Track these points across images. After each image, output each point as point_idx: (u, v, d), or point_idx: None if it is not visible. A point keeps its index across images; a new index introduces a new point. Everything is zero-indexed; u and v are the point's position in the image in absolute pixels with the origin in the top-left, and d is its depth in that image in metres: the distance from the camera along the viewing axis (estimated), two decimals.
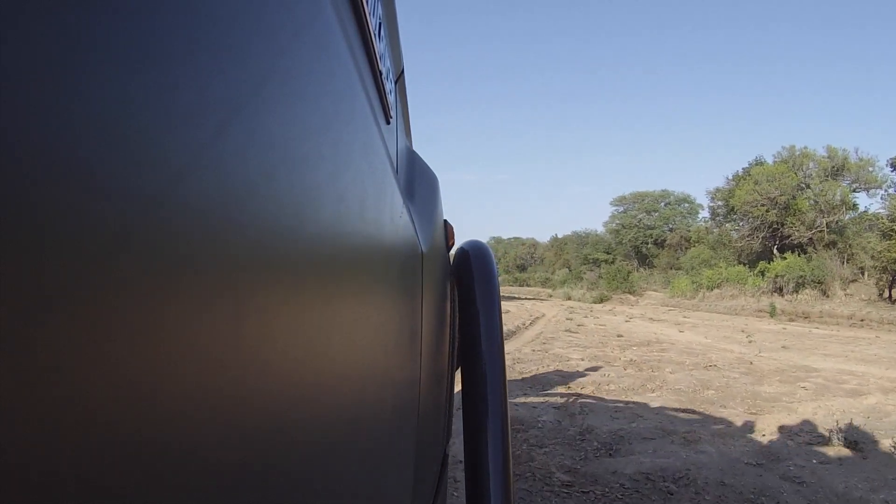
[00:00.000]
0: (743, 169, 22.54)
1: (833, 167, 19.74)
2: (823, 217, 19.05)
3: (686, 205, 29.91)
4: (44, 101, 0.08)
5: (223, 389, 0.13)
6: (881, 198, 18.00)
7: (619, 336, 7.89)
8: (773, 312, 14.01)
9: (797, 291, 15.88)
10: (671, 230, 28.88)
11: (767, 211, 19.90)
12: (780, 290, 16.65)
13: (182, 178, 0.11)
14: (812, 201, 19.48)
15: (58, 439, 0.08)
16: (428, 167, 0.97)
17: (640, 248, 29.22)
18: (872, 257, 14.93)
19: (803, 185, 19.90)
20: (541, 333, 7.97)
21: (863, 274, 16.00)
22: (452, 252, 1.03)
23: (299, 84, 0.20)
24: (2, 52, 0.07)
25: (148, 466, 0.11)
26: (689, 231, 27.52)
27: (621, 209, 31.23)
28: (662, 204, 30.18)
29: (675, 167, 50.78)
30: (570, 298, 20.86)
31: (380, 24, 0.50)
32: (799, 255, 17.80)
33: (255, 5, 0.16)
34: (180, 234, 0.11)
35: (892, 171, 17.17)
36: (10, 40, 0.07)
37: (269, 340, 0.16)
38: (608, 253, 29.68)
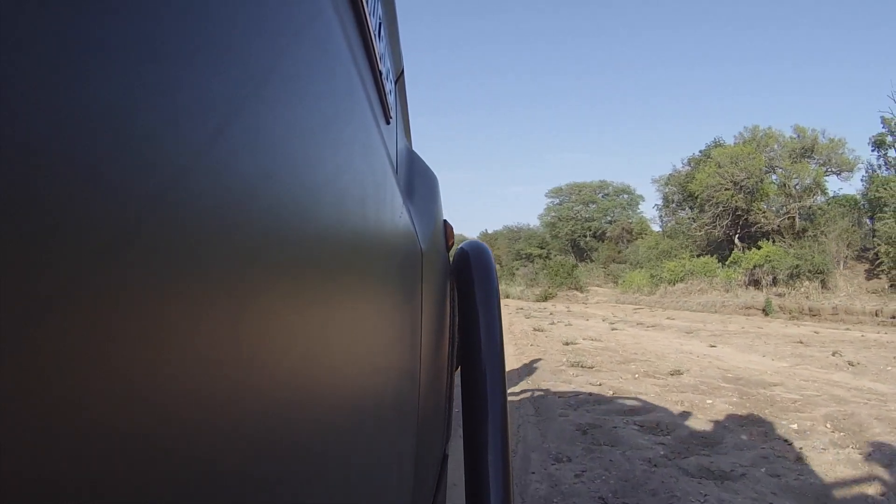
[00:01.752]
0: (700, 151, 20.62)
1: (802, 148, 17.85)
2: (794, 202, 17.25)
3: (626, 196, 28.14)
4: (44, 101, 0.08)
5: (223, 389, 0.13)
6: (861, 180, 16.26)
7: (641, 359, 5.10)
8: (769, 309, 11.96)
9: (791, 284, 13.51)
10: (611, 222, 27.16)
11: (732, 196, 17.91)
12: (756, 283, 14.64)
13: (182, 178, 0.11)
14: (780, 185, 17.72)
15: (58, 439, 0.08)
16: (427, 167, 0.97)
17: (578, 241, 27.44)
18: (888, 242, 12.54)
19: (771, 168, 18.10)
20: (534, 368, 4.74)
21: (844, 263, 14.07)
22: (452, 252, 1.03)
23: (299, 84, 0.20)
24: (1, 51, 0.07)
25: (147, 466, 0.11)
26: (630, 223, 26.02)
27: (557, 201, 29.27)
28: (601, 195, 28.37)
29: (612, 158, 47.60)
30: (507, 297, 18.43)
31: (380, 24, 0.50)
32: (774, 243, 15.91)
33: (255, 5, 0.17)
34: (179, 234, 0.11)
35: (872, 151, 15.82)
36: (9, 40, 0.07)
37: (269, 340, 0.16)
38: (542, 248, 27.58)
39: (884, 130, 15.05)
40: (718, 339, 7.10)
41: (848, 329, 8.88)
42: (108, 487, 0.09)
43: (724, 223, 18.75)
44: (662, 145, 44.00)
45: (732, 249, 18.17)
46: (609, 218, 27.56)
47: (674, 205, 22.06)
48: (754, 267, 14.93)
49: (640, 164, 45.84)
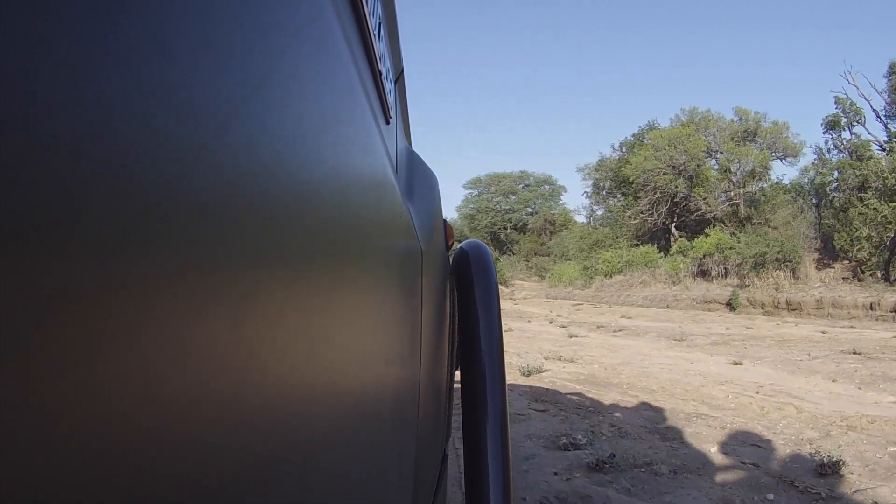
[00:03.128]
0: (633, 135, 19.32)
1: (744, 131, 16.65)
2: (737, 188, 16.00)
3: (547, 186, 27.07)
4: (43, 101, 0.08)
5: (222, 388, 0.13)
6: (813, 163, 14.75)
7: (659, 391, 3.39)
8: (735, 303, 10.54)
9: (757, 273, 11.95)
10: (533, 213, 25.92)
11: (672, 181, 16.61)
12: (704, 275, 13.34)
13: (181, 178, 0.11)
14: (722, 170, 16.49)
15: (58, 439, 0.08)
16: (427, 167, 0.96)
17: (498, 233, 26.13)
18: (869, 225, 11.24)
19: (710, 152, 16.84)
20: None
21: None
22: (452, 251, 1.03)
23: (299, 84, 0.20)
24: (1, 50, 0.07)
25: (145, 465, 0.11)
26: (553, 214, 24.78)
27: (476, 192, 27.90)
28: (521, 186, 27.12)
29: (531, 148, 45.36)
30: None
31: (380, 23, 0.50)
32: (720, 230, 14.73)
33: (255, 5, 0.17)
34: (177, 234, 0.11)
35: (825, 132, 14.44)
36: (8, 40, 0.07)
37: (269, 339, 0.16)
38: (459, 241, 26.03)
39: (837, 111, 13.98)
40: (737, 352, 5.18)
41: (854, 327, 7.52)
42: (108, 487, 0.09)
43: (662, 210, 17.49)
44: (584, 135, 42.91)
45: (669, 239, 17.28)
46: (530, 209, 26.51)
47: (604, 192, 20.80)
48: (704, 256, 13.55)
49: (561, 156, 44.70)
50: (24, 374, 0.08)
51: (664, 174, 16.87)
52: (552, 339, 6.40)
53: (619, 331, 7.55)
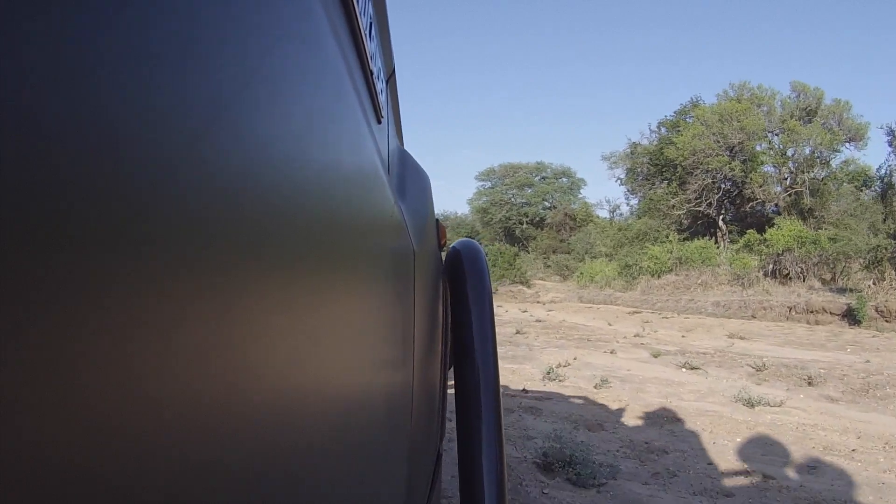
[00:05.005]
0: (675, 113, 16.72)
1: (802, 109, 14.05)
2: (803, 173, 13.40)
3: (566, 179, 25.17)
4: (36, 101, 0.08)
5: (214, 388, 0.13)
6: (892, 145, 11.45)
7: None
8: (861, 314, 7.55)
9: (875, 273, 8.93)
10: (551, 207, 23.98)
11: (727, 163, 13.94)
12: (775, 274, 10.78)
13: (168, 178, 0.11)
14: (780, 153, 13.93)
15: (57, 439, 0.08)
16: (419, 166, 0.96)
17: (513, 229, 24.22)
18: None
19: (771, 131, 14.07)
20: None
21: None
22: (445, 251, 1.03)
23: (290, 83, 0.20)
24: None
25: (142, 463, 0.11)
26: (573, 208, 22.83)
27: (489, 184, 26.00)
28: (538, 178, 25.27)
29: (549, 140, 44.55)
30: None
31: (370, 23, 0.50)
32: (769, 226, 12.29)
33: (244, 4, 0.17)
34: (166, 233, 0.11)
35: None
36: (6, 39, 0.07)
37: (260, 339, 0.16)
38: (471, 237, 22.16)
39: None
40: None
41: None
42: (107, 486, 0.10)
43: (713, 199, 14.69)
44: (602, 126, 41.08)
45: (716, 234, 14.82)
46: (548, 203, 24.66)
47: (640, 178, 17.91)
48: (781, 252, 10.69)
49: (576, 150, 42.66)
50: (22, 373, 0.08)
51: (717, 155, 14.09)
52: (712, 412, 3.31)
53: (809, 383, 4.09)
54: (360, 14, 0.40)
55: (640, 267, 13.20)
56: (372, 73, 0.46)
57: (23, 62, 0.08)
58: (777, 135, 14.35)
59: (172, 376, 0.12)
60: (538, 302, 12.57)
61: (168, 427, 0.11)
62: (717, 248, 13.04)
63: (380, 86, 0.56)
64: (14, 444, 0.08)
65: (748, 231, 12.96)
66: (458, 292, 0.86)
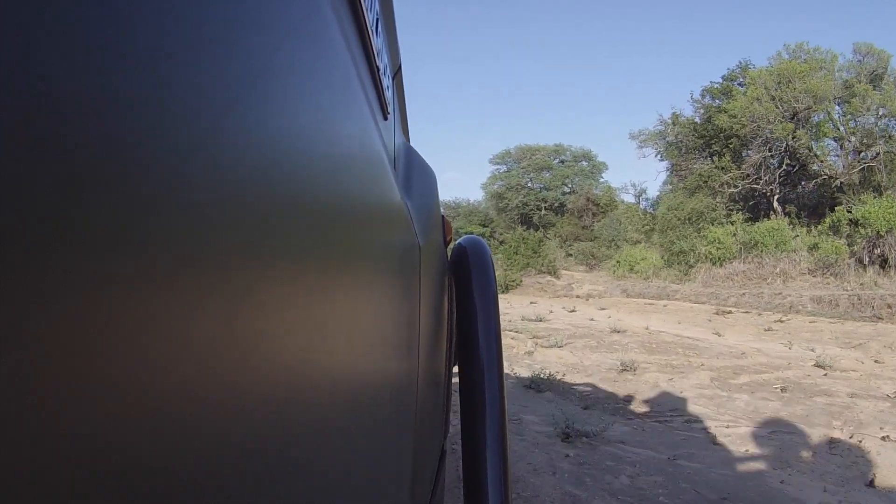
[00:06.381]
0: (723, 78, 14.35)
1: (871, 73, 12.05)
2: (871, 146, 11.31)
3: (586, 162, 23.20)
4: (40, 99, 0.08)
5: (221, 384, 0.14)
6: None
7: None
8: None
9: None
10: (571, 192, 22.11)
11: (793, 133, 11.63)
12: (869, 261, 8.93)
13: (178, 175, 0.12)
14: (852, 119, 11.63)
15: (58, 438, 0.08)
16: (425, 162, 0.96)
17: (531, 215, 22.21)
18: None
19: (838, 98, 11.79)
20: None
21: None
22: (450, 247, 1.02)
23: (297, 80, 0.20)
24: None
25: (146, 461, 0.11)
26: (596, 193, 20.96)
27: (504, 168, 24.02)
28: (556, 161, 23.35)
29: (567, 124, 39.76)
30: None
31: (377, 19, 0.50)
32: (836, 206, 10.34)
33: (252, 2, 0.17)
34: (175, 230, 0.11)
35: None
36: (6, 38, 0.07)
37: (267, 336, 0.17)
38: (485, 225, 22.47)
39: None
40: None
41: None
42: (107, 486, 0.10)
43: (777, 174, 12.27)
44: (622, 107, 38.10)
45: (770, 215, 12.58)
46: (567, 188, 22.78)
47: (681, 152, 15.23)
48: (882, 234, 8.74)
49: (593, 133, 38.76)
50: (24, 371, 0.08)
51: (780, 122, 11.87)
52: None
53: None
54: (367, 10, 0.40)
55: (697, 253, 10.99)
56: (378, 70, 0.46)
57: (31, 60, 0.08)
58: (841, 103, 12.42)
59: (182, 369, 0.12)
60: (576, 296, 10.62)
61: (175, 418, 0.11)
62: (792, 230, 11.13)
63: (386, 82, 0.56)
64: (14, 444, 0.08)
65: (839, 210, 10.61)
66: (463, 288, 0.86)
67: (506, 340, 3.69)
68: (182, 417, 0.12)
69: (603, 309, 8.78)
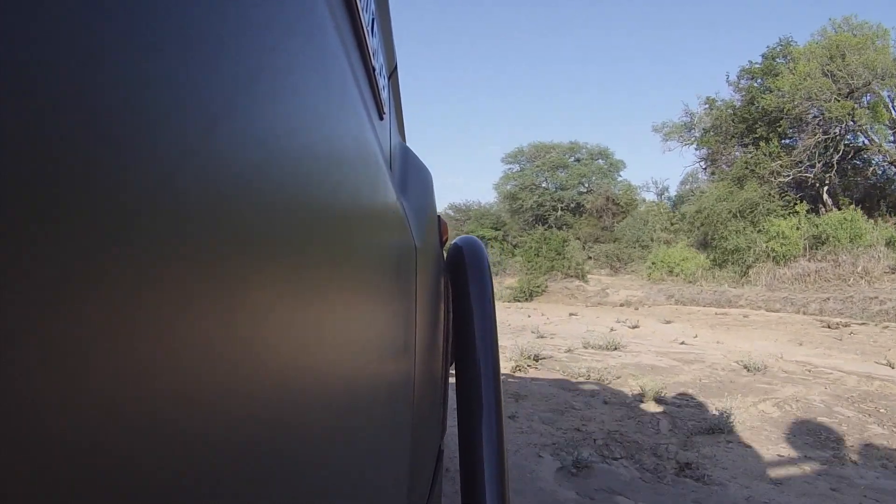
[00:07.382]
0: (763, 56, 12.84)
1: None
2: None
3: (603, 160, 21.94)
4: (36, 99, 0.08)
5: (217, 385, 0.14)
6: None
7: None
8: None
9: None
10: (588, 192, 20.89)
11: (850, 112, 9.89)
12: None
13: (172, 176, 0.11)
14: None
15: (58, 438, 0.08)
16: (421, 163, 0.96)
17: (546, 216, 20.96)
18: None
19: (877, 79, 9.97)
20: None
21: None
22: (447, 248, 1.02)
23: (292, 80, 0.20)
24: None
25: (143, 464, 0.11)
26: (616, 192, 19.69)
27: (517, 167, 22.72)
28: (572, 159, 22.03)
29: (582, 119, 37.60)
30: None
31: (373, 20, 0.50)
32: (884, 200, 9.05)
33: (248, 1, 0.17)
34: (169, 231, 0.11)
35: None
36: (5, 38, 0.07)
37: (262, 336, 0.17)
38: (497, 228, 21.36)
39: None
40: None
41: None
42: (107, 486, 0.10)
43: (835, 159, 10.50)
44: (641, 102, 35.76)
45: (818, 208, 11.26)
46: (584, 187, 21.52)
47: (720, 139, 13.56)
48: None
49: (609, 130, 36.44)
50: (24, 371, 0.08)
51: (837, 100, 10.11)
52: None
53: None
54: (363, 11, 0.41)
55: (756, 251, 9.31)
56: (374, 70, 0.46)
57: (26, 59, 0.08)
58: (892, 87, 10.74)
59: (177, 370, 0.12)
60: (618, 305, 8.62)
61: (170, 419, 0.11)
62: (870, 222, 9.51)
63: (382, 82, 0.56)
64: (15, 444, 0.08)
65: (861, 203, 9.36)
66: (459, 289, 0.86)
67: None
68: (179, 417, 0.12)
69: (668, 322, 6.96)
